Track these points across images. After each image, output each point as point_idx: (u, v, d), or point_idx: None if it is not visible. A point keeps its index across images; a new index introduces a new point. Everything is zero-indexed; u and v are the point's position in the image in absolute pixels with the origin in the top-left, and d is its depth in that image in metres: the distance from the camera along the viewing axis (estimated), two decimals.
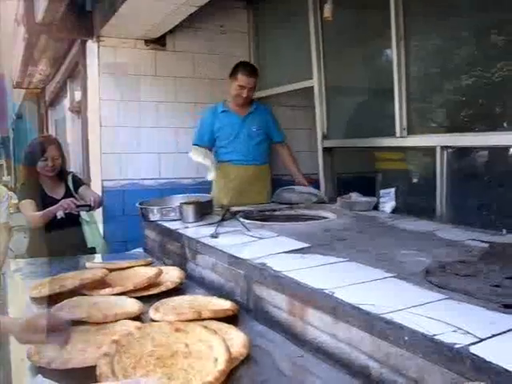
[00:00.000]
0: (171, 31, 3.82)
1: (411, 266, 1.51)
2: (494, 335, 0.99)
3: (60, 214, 2.68)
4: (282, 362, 1.26)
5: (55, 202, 2.74)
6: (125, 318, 1.51)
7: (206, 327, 1.33)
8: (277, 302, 1.49)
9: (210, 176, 3.24)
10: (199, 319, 1.43)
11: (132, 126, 3.87)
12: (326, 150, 3.45)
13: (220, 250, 1.86)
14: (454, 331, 1.02)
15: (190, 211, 2.44)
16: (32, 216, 2.76)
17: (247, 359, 1.26)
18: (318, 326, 1.32)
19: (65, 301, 1.65)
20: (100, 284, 1.83)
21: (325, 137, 3.45)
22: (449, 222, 2.34)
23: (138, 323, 1.46)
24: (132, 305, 1.62)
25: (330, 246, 1.84)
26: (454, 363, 0.94)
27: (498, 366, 0.87)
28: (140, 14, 3.26)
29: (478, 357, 0.91)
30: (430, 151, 2.60)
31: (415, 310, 1.14)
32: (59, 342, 1.25)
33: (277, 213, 2.80)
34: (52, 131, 8.01)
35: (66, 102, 6.29)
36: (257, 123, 3.41)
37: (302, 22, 3.51)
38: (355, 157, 3.60)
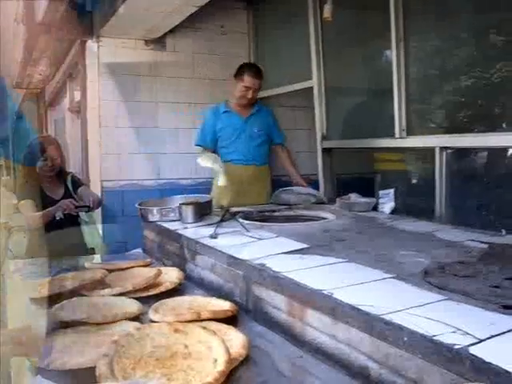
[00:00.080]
0: (171, 31, 3.82)
1: (410, 267, 1.51)
2: (493, 336, 0.99)
3: (59, 215, 2.68)
4: (282, 363, 1.26)
5: (54, 202, 2.75)
6: (124, 319, 1.51)
7: (205, 328, 1.33)
8: (276, 302, 1.48)
9: (221, 181, 3.20)
10: (198, 320, 1.43)
11: (131, 127, 3.87)
12: (325, 150, 3.45)
13: (219, 251, 1.85)
14: (454, 332, 1.02)
15: (189, 212, 2.44)
16: (31, 216, 2.77)
17: (246, 360, 1.26)
18: (317, 326, 1.31)
19: (64, 301, 1.65)
20: (99, 284, 1.83)
21: (324, 137, 3.45)
22: (448, 223, 2.34)
23: (137, 324, 1.45)
24: (131, 305, 1.62)
25: (329, 246, 1.84)
26: (453, 364, 0.94)
27: (497, 366, 0.87)
28: (140, 14, 3.26)
29: (477, 357, 0.91)
30: (429, 152, 2.60)
31: (414, 310, 1.14)
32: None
33: (276, 213, 2.80)
34: (51, 131, 7.99)
35: (66, 102, 6.29)
36: (258, 125, 3.41)
37: (301, 23, 3.51)
38: (354, 157, 3.60)
